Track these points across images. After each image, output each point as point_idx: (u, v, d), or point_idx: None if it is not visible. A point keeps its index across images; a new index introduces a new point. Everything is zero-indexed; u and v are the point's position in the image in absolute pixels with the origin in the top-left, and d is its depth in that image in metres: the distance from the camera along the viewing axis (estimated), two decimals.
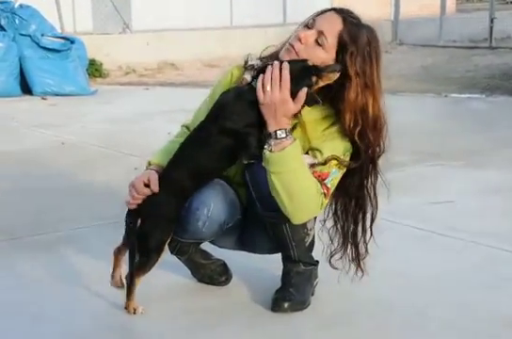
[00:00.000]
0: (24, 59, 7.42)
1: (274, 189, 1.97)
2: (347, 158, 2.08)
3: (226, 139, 2.01)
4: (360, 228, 2.26)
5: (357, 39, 2.02)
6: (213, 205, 2.05)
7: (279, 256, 2.26)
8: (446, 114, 6.00)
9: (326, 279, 2.36)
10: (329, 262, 2.29)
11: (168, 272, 2.44)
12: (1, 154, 4.49)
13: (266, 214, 2.10)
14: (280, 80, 1.92)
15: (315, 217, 2.22)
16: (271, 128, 1.95)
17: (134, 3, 11.88)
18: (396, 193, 3.53)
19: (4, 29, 7.79)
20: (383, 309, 2.23)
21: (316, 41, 2.02)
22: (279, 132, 1.94)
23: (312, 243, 2.25)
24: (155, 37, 10.47)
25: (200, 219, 2.05)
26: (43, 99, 7.17)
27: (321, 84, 1.99)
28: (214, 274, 2.39)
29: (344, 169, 2.08)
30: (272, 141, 1.95)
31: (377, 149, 2.10)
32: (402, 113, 5.91)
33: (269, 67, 1.95)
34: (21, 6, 8.15)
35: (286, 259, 2.24)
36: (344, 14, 2.05)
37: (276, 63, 1.95)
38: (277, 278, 2.28)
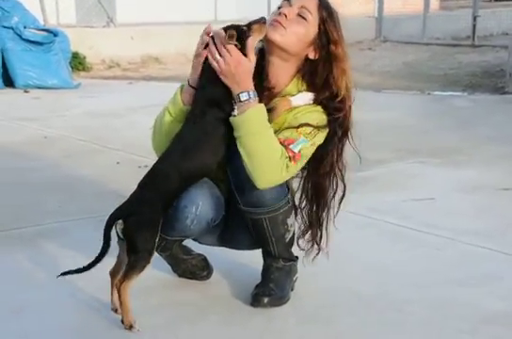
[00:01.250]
0: (7, 52, 7.35)
1: (241, 153, 2.00)
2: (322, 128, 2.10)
3: (216, 115, 2.02)
4: (324, 211, 2.26)
5: (332, 11, 2.12)
6: (201, 203, 2.05)
7: (259, 252, 2.28)
8: (429, 112, 6.04)
9: (306, 274, 2.38)
10: (297, 243, 2.29)
11: (148, 267, 2.44)
12: None
13: (247, 209, 2.12)
14: (224, 46, 1.97)
15: (295, 214, 2.24)
16: (235, 92, 1.99)
17: None
18: (377, 190, 3.58)
19: None
20: (362, 305, 2.26)
21: (299, 15, 2.08)
22: (241, 94, 1.98)
23: (292, 239, 2.27)
24: (139, 31, 10.42)
25: (188, 217, 2.05)
26: (26, 92, 7.11)
27: (257, 37, 2.02)
28: (195, 269, 2.40)
29: (316, 141, 2.09)
30: (236, 105, 1.99)
31: (348, 119, 2.21)
32: (385, 110, 5.95)
33: (209, 39, 2.01)
34: None
35: (266, 254, 2.26)
36: None
37: (212, 34, 2.01)
38: (257, 273, 2.30)
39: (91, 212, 3.15)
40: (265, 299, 2.20)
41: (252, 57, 2.00)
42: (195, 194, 2.05)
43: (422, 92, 6.99)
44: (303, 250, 2.30)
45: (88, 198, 3.37)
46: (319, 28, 2.10)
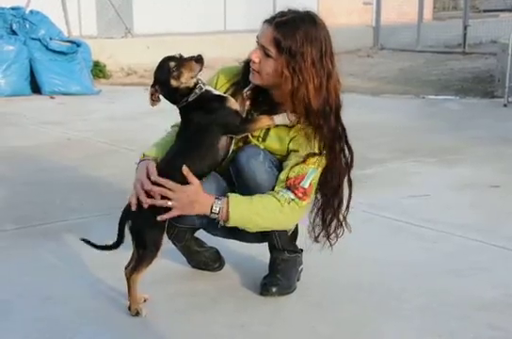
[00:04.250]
0: (34, 61, 7.38)
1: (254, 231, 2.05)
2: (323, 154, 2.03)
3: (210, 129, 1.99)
4: (335, 214, 2.21)
5: (290, 35, 1.93)
6: None
7: (266, 245, 2.26)
8: (423, 114, 6.00)
9: (310, 266, 2.37)
10: (315, 238, 2.22)
11: (164, 259, 2.44)
12: (13, 149, 4.46)
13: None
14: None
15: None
16: (206, 212, 1.97)
17: (135, 9, 11.82)
18: (376, 187, 3.56)
19: (16, 33, 7.74)
20: (362, 293, 2.25)
21: (267, 55, 1.98)
22: (213, 210, 1.96)
23: (295, 233, 2.25)
24: (155, 41, 10.42)
25: None
26: (51, 98, 7.12)
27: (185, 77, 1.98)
28: (208, 261, 2.39)
29: (322, 164, 2.04)
30: (215, 217, 1.97)
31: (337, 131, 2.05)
32: (383, 113, 5.93)
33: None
34: (31, 12, 8.10)
35: (272, 248, 2.25)
36: (273, 20, 1.97)
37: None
38: (265, 265, 2.29)
39: (111, 209, 3.15)
40: (274, 289, 2.19)
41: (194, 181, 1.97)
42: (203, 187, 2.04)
43: (417, 96, 6.95)
44: (318, 242, 2.23)
45: (109, 196, 3.36)
46: (286, 60, 1.95)
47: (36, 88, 7.40)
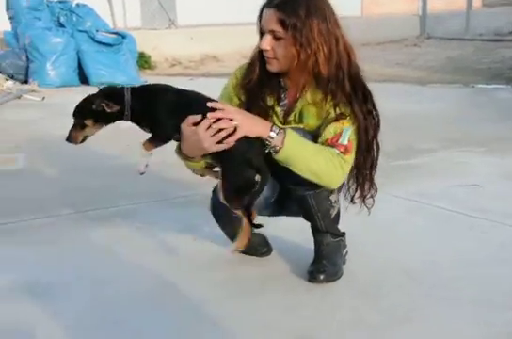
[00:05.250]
0: (82, 53, 7.54)
1: (301, 174, 2.01)
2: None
3: None
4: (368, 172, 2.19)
5: (292, 12, 1.97)
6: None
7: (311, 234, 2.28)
8: (473, 103, 5.90)
9: (357, 254, 2.37)
10: (351, 199, 2.22)
11: (213, 244, 2.49)
12: (63, 137, 4.54)
13: (293, 187, 2.12)
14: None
15: (338, 191, 2.21)
16: (264, 135, 1.96)
17: (179, 1, 11.92)
18: (425, 177, 3.53)
19: (63, 26, 7.93)
20: (411, 281, 2.24)
21: (277, 38, 2.01)
22: (271, 132, 1.95)
23: (338, 215, 2.27)
24: (198, 32, 10.50)
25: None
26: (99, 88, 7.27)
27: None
28: (257, 246, 2.42)
29: (356, 124, 2.05)
30: (270, 142, 1.96)
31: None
32: (431, 102, 5.85)
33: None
34: (77, 5, 8.27)
35: (315, 230, 2.26)
36: (271, 2, 2.00)
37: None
38: (311, 252, 2.30)
39: (160, 195, 3.22)
40: (321, 276, 2.21)
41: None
42: None
43: (466, 85, 6.82)
44: (354, 203, 2.23)
45: (159, 182, 3.43)
46: (293, 37, 1.99)
47: (84, 79, 7.57)
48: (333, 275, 2.24)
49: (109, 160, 3.94)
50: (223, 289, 2.19)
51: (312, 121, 2.10)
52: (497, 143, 4.25)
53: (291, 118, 2.12)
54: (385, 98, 5.19)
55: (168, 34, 10.56)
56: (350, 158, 2.05)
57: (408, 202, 3.08)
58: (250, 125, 1.95)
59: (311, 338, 1.87)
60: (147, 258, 2.44)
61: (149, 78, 7.99)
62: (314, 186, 2.08)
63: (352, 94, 2.05)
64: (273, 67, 2.07)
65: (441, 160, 3.90)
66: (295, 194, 2.15)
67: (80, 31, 7.72)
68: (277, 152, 1.96)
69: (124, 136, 4.59)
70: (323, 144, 2.03)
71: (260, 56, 2.10)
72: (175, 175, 3.50)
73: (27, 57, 7.38)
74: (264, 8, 2.03)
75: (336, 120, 2.03)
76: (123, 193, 3.28)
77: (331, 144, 2.02)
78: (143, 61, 9.21)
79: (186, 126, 1.98)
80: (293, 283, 2.22)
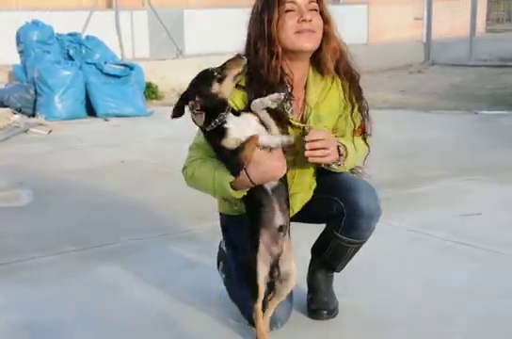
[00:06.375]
0: (89, 85, 7.63)
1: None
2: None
3: None
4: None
5: None
6: None
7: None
8: (476, 130, 5.90)
9: (359, 287, 2.37)
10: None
11: (216, 281, 2.49)
12: (69, 172, 4.62)
13: (343, 238, 2.08)
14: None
15: None
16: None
17: (186, 31, 12.10)
18: (428, 206, 3.53)
19: (72, 59, 8.06)
20: (413, 316, 2.23)
21: (311, 10, 1.97)
22: (341, 152, 1.98)
23: None
24: (205, 61, 10.54)
25: None
26: (106, 120, 7.34)
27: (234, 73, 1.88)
28: None
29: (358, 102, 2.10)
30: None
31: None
32: (434, 129, 5.87)
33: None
34: (87, 37, 8.41)
35: (325, 268, 2.23)
36: None
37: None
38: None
39: (164, 230, 3.24)
40: (324, 313, 2.21)
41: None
42: None
43: (469, 112, 6.84)
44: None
45: (162, 217, 3.45)
46: (322, 7, 2.00)
47: (91, 111, 7.65)
48: (334, 310, 2.24)
49: (112, 195, 3.97)
50: (223, 325, 2.19)
51: (331, 118, 2.08)
52: (501, 171, 4.25)
53: (309, 121, 2.04)
54: (389, 125, 5.28)
55: (176, 64, 10.69)
56: (368, 136, 2.14)
57: (410, 233, 3.08)
58: (335, 150, 1.94)
59: None
60: (150, 295, 2.44)
61: (155, 108, 8.07)
62: (364, 241, 2.10)
63: (350, 77, 2.07)
64: (312, 43, 1.97)
65: (445, 189, 3.90)
66: (337, 241, 2.10)
67: (88, 63, 7.82)
68: (339, 165, 2.01)
69: (126, 170, 4.66)
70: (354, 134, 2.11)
71: (276, 51, 1.95)
72: (177, 209, 3.52)
73: (35, 91, 7.49)
74: None
75: (353, 109, 2.07)
76: (126, 228, 3.30)
77: (363, 133, 2.12)
78: (150, 92, 9.29)
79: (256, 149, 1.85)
80: (293, 320, 2.19)
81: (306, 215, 2.15)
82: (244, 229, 1.96)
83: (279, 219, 1.89)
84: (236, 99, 1.97)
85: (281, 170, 1.88)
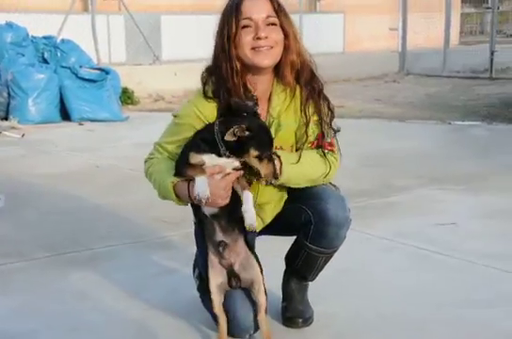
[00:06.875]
0: (64, 89, 7.55)
1: (299, 186, 2.04)
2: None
3: None
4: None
5: (279, 3, 2.00)
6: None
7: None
8: (450, 140, 5.98)
9: (333, 295, 2.37)
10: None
11: (191, 289, 2.47)
12: (42, 176, 4.56)
13: (313, 247, 2.08)
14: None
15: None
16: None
17: (164, 37, 12.08)
18: (402, 215, 3.56)
19: (47, 62, 7.96)
20: (385, 323, 2.24)
21: (269, 25, 1.97)
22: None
23: None
24: (182, 67, 10.59)
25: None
26: (80, 124, 7.28)
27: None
28: None
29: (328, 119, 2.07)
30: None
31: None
32: (409, 139, 5.93)
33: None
34: (62, 40, 8.33)
35: (298, 278, 2.23)
36: None
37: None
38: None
39: (139, 236, 3.21)
40: (299, 321, 2.21)
41: None
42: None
43: (443, 122, 6.94)
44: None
45: (136, 223, 3.42)
46: (282, 19, 2.00)
47: (65, 115, 7.58)
48: (310, 318, 2.24)
49: (87, 200, 3.93)
50: (197, 333, 2.17)
51: (289, 127, 2.06)
52: (474, 181, 4.31)
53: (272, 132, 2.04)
54: (364, 134, 5.32)
55: (153, 69, 10.65)
56: (337, 150, 2.10)
57: (384, 241, 3.10)
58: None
59: None
60: (124, 303, 2.41)
61: (131, 114, 8.03)
62: (332, 246, 2.08)
63: (311, 88, 2.05)
64: (269, 59, 1.97)
65: (419, 198, 3.94)
66: (306, 250, 2.10)
67: (63, 67, 7.75)
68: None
69: (101, 175, 4.62)
70: (308, 147, 2.05)
71: (235, 66, 1.97)
72: (153, 215, 3.49)
73: (9, 94, 7.39)
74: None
75: (307, 120, 2.04)
76: (100, 235, 3.26)
77: (318, 145, 2.06)
78: (126, 97, 9.24)
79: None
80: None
81: (278, 226, 2.16)
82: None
83: (218, 236, 1.98)
84: (206, 110, 1.99)
85: (223, 200, 1.89)
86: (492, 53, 11.25)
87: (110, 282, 2.61)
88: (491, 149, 5.41)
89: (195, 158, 1.90)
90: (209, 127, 1.93)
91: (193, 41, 11.56)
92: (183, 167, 1.93)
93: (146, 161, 2.13)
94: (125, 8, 10.75)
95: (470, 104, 8.31)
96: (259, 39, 1.95)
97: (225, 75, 1.98)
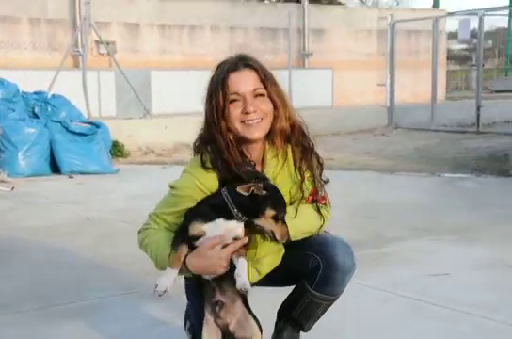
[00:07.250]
0: (54, 142, 7.63)
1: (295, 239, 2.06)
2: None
3: None
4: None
5: (262, 67, 2.03)
6: None
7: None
8: (440, 192, 6.07)
9: None
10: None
11: None
12: (33, 229, 4.56)
13: (317, 294, 2.09)
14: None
15: None
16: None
17: (154, 91, 12.33)
18: (395, 266, 3.58)
19: (37, 116, 8.10)
20: None
21: (257, 96, 2.01)
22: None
23: None
24: (172, 121, 10.76)
25: None
26: (70, 177, 7.32)
27: None
28: None
29: (318, 173, 2.13)
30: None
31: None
32: (399, 191, 6.01)
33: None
34: (53, 95, 8.49)
35: (292, 325, 2.22)
36: (240, 65, 2.02)
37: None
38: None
39: (131, 288, 3.20)
40: None
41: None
42: None
43: (432, 174, 7.05)
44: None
45: (127, 275, 3.41)
46: (270, 90, 2.04)
47: (55, 168, 7.62)
48: None
49: (77, 253, 3.92)
50: None
51: (285, 186, 2.09)
52: (466, 232, 4.36)
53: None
54: (355, 186, 5.42)
55: (143, 123, 10.80)
56: (329, 202, 2.15)
57: (378, 292, 3.11)
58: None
59: None
60: None
61: (121, 166, 8.09)
62: (336, 293, 2.10)
63: (302, 148, 2.11)
64: (259, 131, 2.02)
65: (411, 249, 3.97)
66: (308, 297, 2.11)
67: (54, 121, 7.87)
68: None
69: (92, 228, 4.62)
70: (303, 202, 2.10)
71: (228, 139, 2.01)
72: (144, 267, 3.48)
73: None
74: (228, 73, 2.00)
75: (302, 178, 2.09)
76: (91, 286, 3.25)
77: (313, 200, 2.10)
78: (116, 150, 9.33)
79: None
80: None
81: (277, 275, 2.15)
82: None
83: (216, 297, 2.01)
84: (208, 181, 2.01)
85: (223, 269, 1.94)
86: (478, 108, 11.57)
87: (103, 335, 2.58)
88: (482, 201, 5.50)
89: (195, 229, 1.93)
90: (215, 194, 1.97)
91: (183, 96, 11.80)
92: (177, 244, 1.96)
93: (140, 231, 2.13)
94: (116, 65, 11.01)
95: (459, 157, 8.46)
96: (247, 113, 1.99)
97: (220, 147, 2.01)
